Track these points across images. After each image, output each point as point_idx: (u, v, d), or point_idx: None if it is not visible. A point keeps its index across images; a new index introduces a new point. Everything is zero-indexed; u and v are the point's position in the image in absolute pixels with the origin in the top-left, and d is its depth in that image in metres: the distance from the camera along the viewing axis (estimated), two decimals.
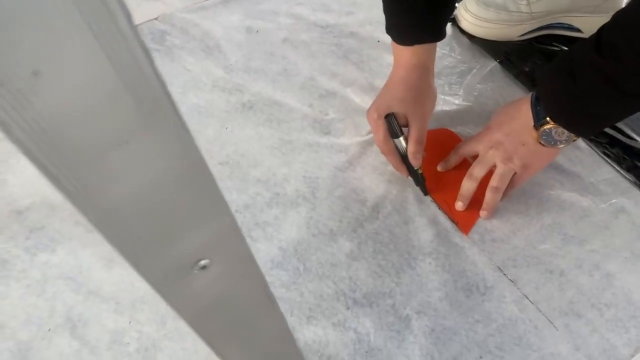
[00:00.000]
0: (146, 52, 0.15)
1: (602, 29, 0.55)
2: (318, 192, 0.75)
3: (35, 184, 0.75)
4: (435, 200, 0.74)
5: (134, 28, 0.15)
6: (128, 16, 0.14)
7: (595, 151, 0.80)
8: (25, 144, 0.15)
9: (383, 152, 0.73)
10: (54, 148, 0.16)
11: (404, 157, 0.72)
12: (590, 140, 0.81)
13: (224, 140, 0.80)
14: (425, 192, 0.74)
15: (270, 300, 0.30)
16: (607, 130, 0.81)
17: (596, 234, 0.72)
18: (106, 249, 0.70)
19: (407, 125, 0.71)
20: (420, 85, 0.72)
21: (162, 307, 0.65)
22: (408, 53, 0.72)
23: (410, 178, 0.74)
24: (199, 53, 0.90)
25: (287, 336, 0.35)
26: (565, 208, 0.74)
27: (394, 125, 0.70)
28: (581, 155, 0.79)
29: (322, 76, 0.87)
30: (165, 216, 0.21)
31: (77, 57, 0.14)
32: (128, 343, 0.62)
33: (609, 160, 0.79)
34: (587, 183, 0.76)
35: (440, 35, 0.73)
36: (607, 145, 0.80)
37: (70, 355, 0.61)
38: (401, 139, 0.71)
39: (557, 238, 0.71)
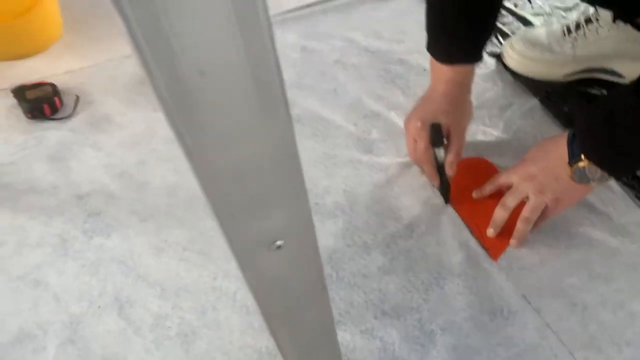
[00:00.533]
0: (277, 62, 0.20)
1: None
2: (356, 206, 0.79)
3: (97, 173, 0.81)
4: (466, 224, 0.77)
5: (273, 42, 0.19)
6: (272, 36, 0.19)
7: (628, 195, 0.82)
8: (177, 122, 0.20)
9: (419, 160, 0.79)
10: (199, 126, 0.20)
11: (439, 166, 0.77)
12: (624, 183, 0.83)
13: None
14: (447, 201, 0.79)
15: (324, 289, 0.35)
16: None
17: (623, 274, 0.74)
18: (157, 238, 0.76)
19: (447, 137, 0.77)
20: (461, 100, 0.79)
21: (203, 297, 0.69)
22: (448, 70, 0.77)
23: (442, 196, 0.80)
24: None
25: (331, 326, 0.39)
26: (594, 246, 0.76)
27: (439, 134, 0.75)
28: (614, 197, 0.82)
29: (369, 98, 0.92)
30: (258, 190, 0.25)
31: (231, 61, 0.19)
32: (169, 327, 0.67)
33: None
34: (618, 224, 0.79)
35: (478, 58, 0.79)
36: None
37: (116, 333, 0.66)
38: (441, 148, 0.76)
39: (583, 273, 0.74)
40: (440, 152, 0.76)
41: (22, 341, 0.66)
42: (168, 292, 0.70)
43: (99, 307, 0.68)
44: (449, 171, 0.76)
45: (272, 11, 1.04)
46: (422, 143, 0.76)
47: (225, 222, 0.26)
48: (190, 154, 0.22)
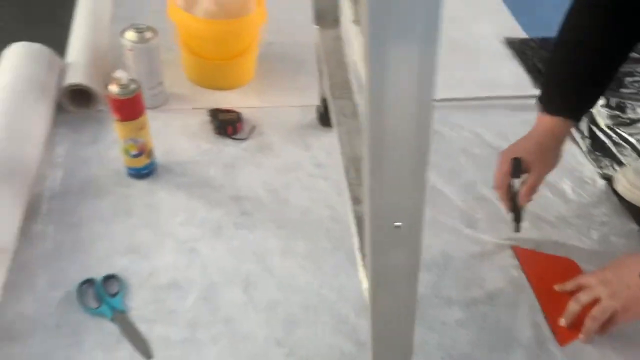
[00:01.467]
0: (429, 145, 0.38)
1: None
2: (449, 266, 0.93)
3: (254, 184, 1.04)
4: (542, 309, 0.88)
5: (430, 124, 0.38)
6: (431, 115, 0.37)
7: None
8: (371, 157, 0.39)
9: (498, 185, 0.94)
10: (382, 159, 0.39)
11: (514, 195, 0.93)
12: None
13: None
14: (518, 230, 0.93)
15: (416, 276, 0.51)
16: None
17: None
18: (285, 243, 0.98)
19: (528, 172, 0.92)
20: (550, 148, 0.93)
21: (309, 298, 0.86)
22: (549, 121, 0.92)
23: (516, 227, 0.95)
24: None
25: (412, 314, 0.55)
26: None
27: (517, 167, 0.92)
28: None
29: (482, 184, 1.07)
30: (391, 195, 0.43)
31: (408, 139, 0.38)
32: (279, 312, 0.84)
33: None
34: None
35: (578, 118, 0.94)
36: None
37: (238, 304, 0.85)
38: (517, 180, 0.92)
39: None
40: (515, 183, 0.92)
41: (172, 288, 0.86)
42: (284, 285, 0.88)
43: (230, 281, 0.88)
44: (521, 200, 0.92)
45: None
46: (503, 170, 0.92)
47: (372, 211, 0.43)
48: (372, 170, 0.40)
